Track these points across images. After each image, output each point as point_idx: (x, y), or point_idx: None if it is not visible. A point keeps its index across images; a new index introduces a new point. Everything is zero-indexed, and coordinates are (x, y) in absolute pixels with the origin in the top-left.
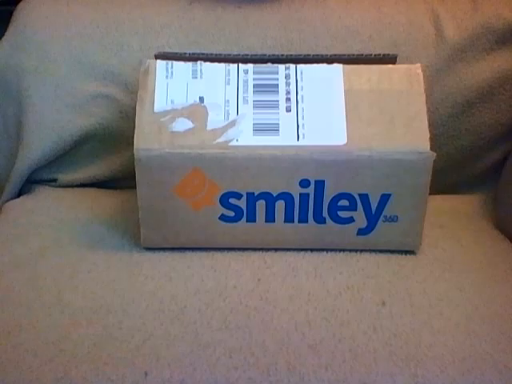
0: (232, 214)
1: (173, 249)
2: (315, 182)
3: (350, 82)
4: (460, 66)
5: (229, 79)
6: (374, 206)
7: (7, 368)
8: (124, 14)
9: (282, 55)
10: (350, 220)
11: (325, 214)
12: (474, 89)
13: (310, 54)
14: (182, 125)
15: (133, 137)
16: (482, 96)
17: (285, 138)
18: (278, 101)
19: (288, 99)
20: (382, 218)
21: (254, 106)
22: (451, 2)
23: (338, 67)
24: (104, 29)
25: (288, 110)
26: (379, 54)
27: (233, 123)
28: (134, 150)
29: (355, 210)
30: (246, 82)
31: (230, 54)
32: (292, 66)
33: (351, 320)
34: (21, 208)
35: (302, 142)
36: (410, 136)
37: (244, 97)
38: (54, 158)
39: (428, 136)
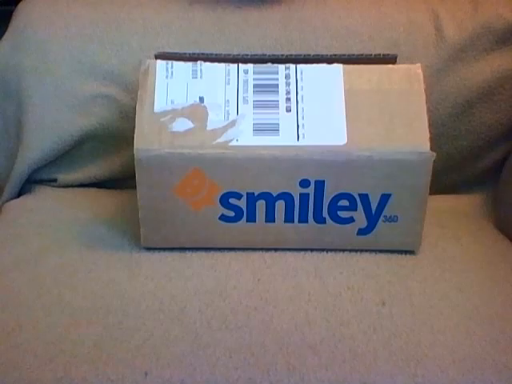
0: (232, 214)
1: (173, 249)
2: (315, 182)
3: (350, 82)
4: (460, 66)
5: (229, 79)
6: (374, 206)
7: (7, 368)
8: (124, 14)
9: (282, 55)
10: (350, 220)
11: (325, 213)
12: (474, 89)
13: (310, 54)
14: (182, 125)
15: (133, 137)
16: (482, 96)
17: (285, 138)
18: (277, 101)
19: (288, 99)
20: (382, 217)
21: (254, 106)
22: (451, 2)
23: (337, 67)
24: (104, 29)
25: (288, 110)
26: (379, 54)
27: (233, 123)
28: (134, 150)
29: (355, 210)
30: (246, 82)
31: (230, 54)
32: (292, 66)
33: (351, 320)
34: (21, 208)
35: (302, 142)
36: (410, 136)
37: (244, 97)
38: (54, 158)
39: (428, 136)
